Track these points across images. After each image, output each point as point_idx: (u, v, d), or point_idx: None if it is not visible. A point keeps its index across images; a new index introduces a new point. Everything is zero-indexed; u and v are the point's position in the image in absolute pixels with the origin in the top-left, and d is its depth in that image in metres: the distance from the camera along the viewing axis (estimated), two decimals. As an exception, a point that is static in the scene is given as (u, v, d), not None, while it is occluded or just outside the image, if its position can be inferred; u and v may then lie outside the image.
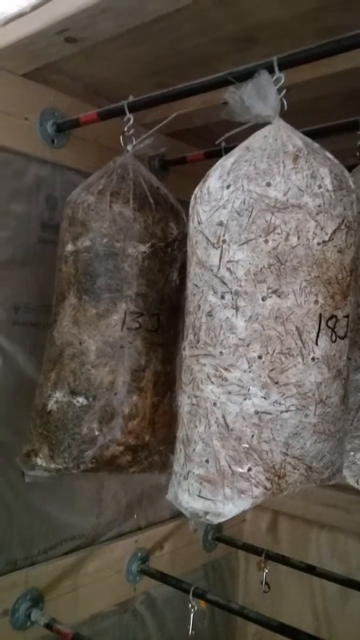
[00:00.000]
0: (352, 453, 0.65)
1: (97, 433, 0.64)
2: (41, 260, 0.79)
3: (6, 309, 0.77)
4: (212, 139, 0.76)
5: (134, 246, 0.65)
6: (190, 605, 0.83)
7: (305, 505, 1.08)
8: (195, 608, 0.83)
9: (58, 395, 0.65)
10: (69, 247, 0.67)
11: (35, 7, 0.64)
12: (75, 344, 0.65)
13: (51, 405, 0.66)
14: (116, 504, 0.94)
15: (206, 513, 0.53)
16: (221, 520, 0.52)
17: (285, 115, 0.57)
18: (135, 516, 0.97)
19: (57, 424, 0.65)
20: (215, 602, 0.83)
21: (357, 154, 0.72)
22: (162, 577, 0.91)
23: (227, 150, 0.75)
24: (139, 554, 0.95)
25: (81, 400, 0.64)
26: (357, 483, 0.65)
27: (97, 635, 0.90)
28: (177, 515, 1.03)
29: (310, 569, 0.91)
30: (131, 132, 0.70)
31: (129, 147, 0.70)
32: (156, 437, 0.67)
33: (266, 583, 0.92)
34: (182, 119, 0.82)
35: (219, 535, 1.09)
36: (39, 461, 0.66)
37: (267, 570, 0.93)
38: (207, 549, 1.09)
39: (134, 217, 0.65)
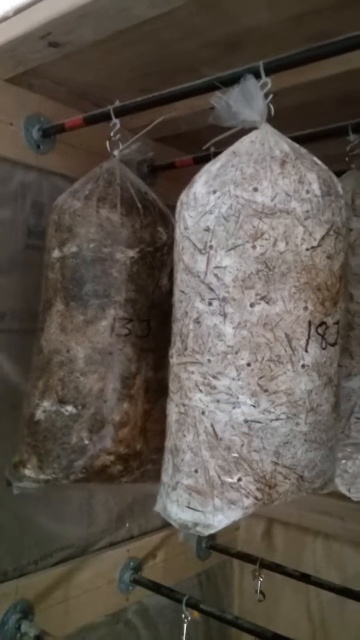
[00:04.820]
0: (343, 461, 0.64)
1: (86, 442, 0.63)
2: (27, 267, 0.78)
3: (-8, 316, 0.76)
4: (202, 144, 0.75)
5: (122, 251, 0.64)
6: (183, 616, 0.82)
7: (300, 513, 1.07)
8: (189, 618, 0.82)
9: (46, 404, 0.64)
10: (56, 254, 0.66)
11: (18, 11, 0.63)
12: (63, 352, 0.64)
13: (39, 414, 0.64)
14: (107, 512, 0.93)
15: (195, 524, 0.51)
16: (211, 531, 0.51)
17: (274, 119, 0.56)
18: (127, 525, 0.96)
19: (46, 433, 0.64)
20: (209, 612, 0.81)
21: (347, 159, 0.72)
22: (155, 587, 0.90)
23: (217, 155, 0.75)
24: (131, 564, 0.93)
25: (70, 408, 0.63)
26: (349, 491, 0.64)
27: (89, 646, 0.89)
28: (170, 523, 1.02)
29: (304, 578, 0.89)
30: (117, 137, 0.69)
31: (116, 152, 0.69)
32: (148, 446, 0.65)
33: (261, 592, 0.90)
34: (170, 124, 0.81)
35: (213, 543, 1.08)
36: (27, 472, 0.64)
37: (261, 579, 0.92)
38: (201, 557, 1.08)
39: (122, 222, 0.65)
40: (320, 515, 1.04)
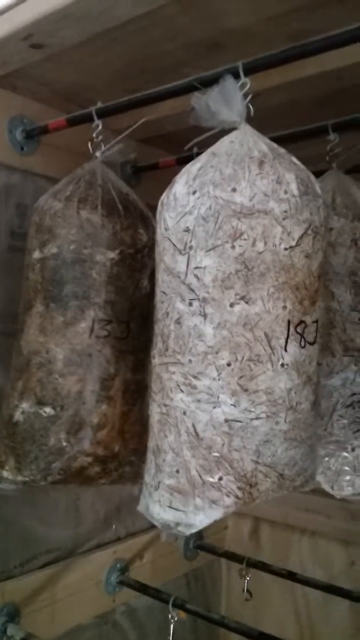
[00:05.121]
0: (326, 459, 0.65)
1: (64, 444, 0.62)
2: (10, 269, 0.77)
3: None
4: (185, 145, 0.76)
5: (102, 253, 0.64)
6: (170, 616, 0.82)
7: (286, 511, 1.08)
8: (175, 619, 0.82)
9: (25, 405, 0.64)
10: (36, 255, 0.66)
11: (-1, 14, 0.63)
12: (42, 353, 0.64)
13: (17, 415, 0.64)
14: (94, 514, 0.93)
15: (177, 524, 0.52)
16: (192, 531, 0.51)
17: (257, 119, 0.57)
18: (113, 526, 0.96)
19: (24, 435, 0.64)
20: (195, 612, 0.82)
21: (327, 158, 0.73)
22: (142, 588, 0.90)
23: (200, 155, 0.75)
24: (118, 565, 0.93)
25: (48, 410, 0.63)
26: (332, 489, 0.65)
27: (77, 648, 0.89)
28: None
29: (291, 576, 0.90)
30: (100, 138, 0.69)
31: (98, 154, 0.69)
32: (126, 448, 0.65)
33: (248, 591, 0.91)
34: (154, 125, 0.81)
35: (200, 543, 1.08)
36: (5, 473, 0.64)
37: (248, 578, 0.92)
38: (188, 557, 1.08)
39: (102, 224, 0.65)
40: (306, 513, 1.04)
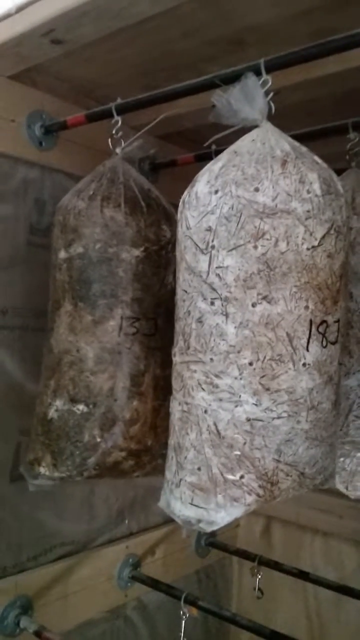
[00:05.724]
0: (341, 459, 0.65)
1: (98, 440, 0.63)
2: (29, 263, 0.78)
3: (-7, 313, 0.76)
4: (203, 142, 0.75)
5: (128, 251, 0.64)
6: (181, 612, 0.82)
7: (298, 511, 1.08)
8: (187, 615, 0.82)
9: (58, 403, 0.65)
10: (62, 255, 0.66)
11: (20, 9, 0.63)
12: (73, 352, 0.64)
13: (52, 413, 0.65)
14: (107, 509, 0.93)
15: (199, 521, 0.52)
16: (214, 528, 0.51)
17: (276, 117, 0.56)
18: (126, 521, 0.96)
19: (59, 432, 0.65)
20: (207, 609, 0.82)
21: (347, 157, 0.72)
22: (154, 584, 0.90)
23: (218, 153, 0.75)
24: (130, 560, 0.94)
25: (81, 407, 0.64)
26: (347, 489, 0.65)
27: (88, 642, 0.89)
28: (170, 520, 1.01)
29: (303, 575, 0.90)
30: (119, 134, 0.69)
31: (118, 150, 0.69)
32: (158, 441, 0.66)
33: (259, 589, 0.91)
34: (173, 121, 0.81)
35: (212, 540, 1.08)
36: (42, 470, 0.65)
37: (260, 576, 0.92)
38: (200, 554, 1.08)
39: (126, 222, 0.65)
40: (318, 513, 1.04)
